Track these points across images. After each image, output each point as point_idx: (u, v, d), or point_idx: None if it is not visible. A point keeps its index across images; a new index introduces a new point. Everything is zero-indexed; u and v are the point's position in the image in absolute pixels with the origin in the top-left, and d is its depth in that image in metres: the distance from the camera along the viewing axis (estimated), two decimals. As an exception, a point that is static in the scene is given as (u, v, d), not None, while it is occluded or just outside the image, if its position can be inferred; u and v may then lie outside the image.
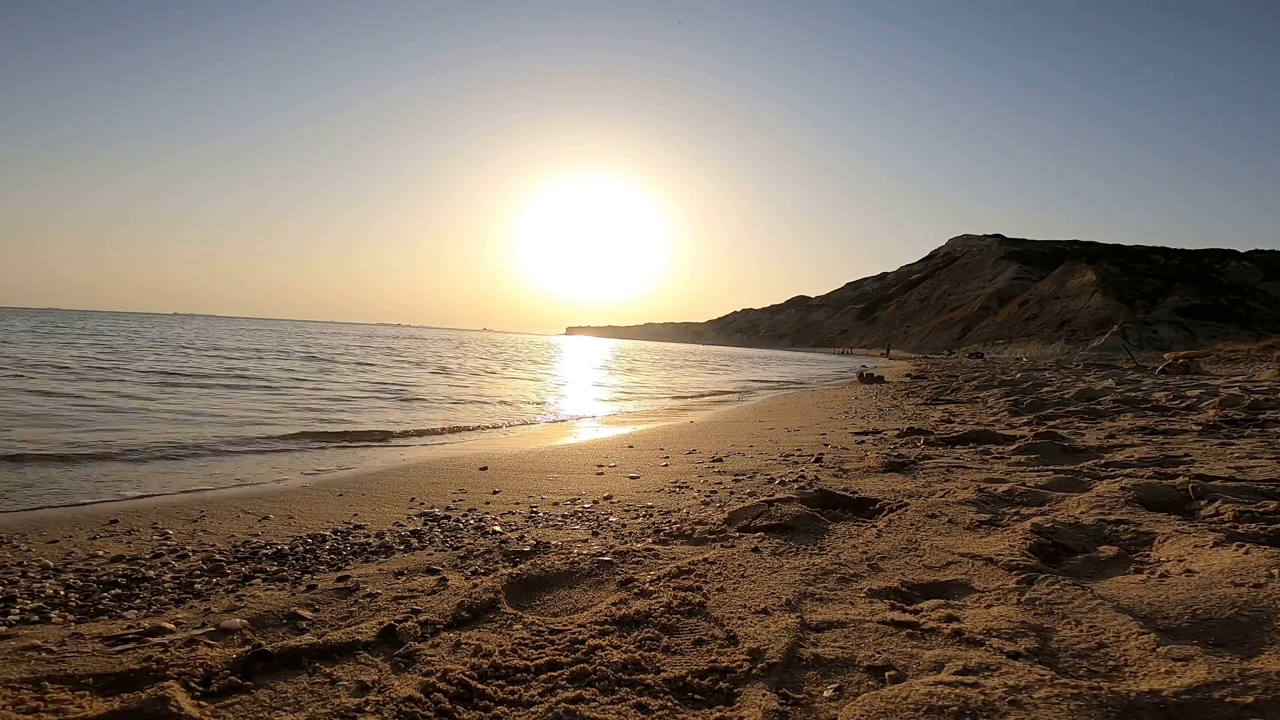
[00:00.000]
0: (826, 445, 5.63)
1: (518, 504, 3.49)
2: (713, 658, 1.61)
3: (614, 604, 1.93)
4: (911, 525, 2.68)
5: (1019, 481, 3.36)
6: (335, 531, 2.90)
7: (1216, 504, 2.72)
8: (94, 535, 2.80)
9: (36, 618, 1.89)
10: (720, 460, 4.91)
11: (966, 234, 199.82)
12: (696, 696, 1.47)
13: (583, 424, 8.37)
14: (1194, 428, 5.58)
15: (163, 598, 2.07)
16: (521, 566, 2.27)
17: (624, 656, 1.61)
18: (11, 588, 2.12)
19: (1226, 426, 5.63)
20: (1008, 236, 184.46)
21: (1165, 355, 28.84)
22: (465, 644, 1.68)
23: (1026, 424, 6.47)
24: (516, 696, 1.45)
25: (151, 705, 1.32)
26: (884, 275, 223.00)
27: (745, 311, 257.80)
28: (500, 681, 1.51)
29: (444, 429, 7.21)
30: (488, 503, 3.52)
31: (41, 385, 9.15)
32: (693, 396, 13.82)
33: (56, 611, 1.94)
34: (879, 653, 1.58)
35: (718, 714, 1.39)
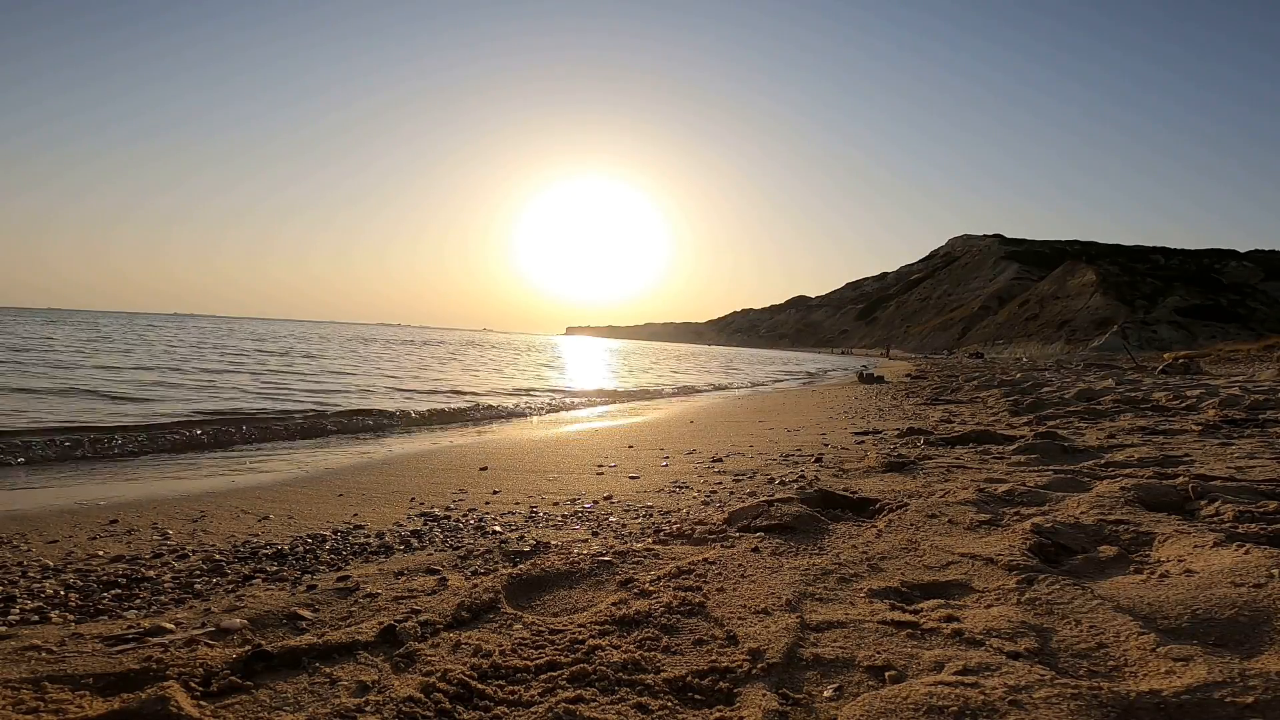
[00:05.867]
0: (826, 445, 5.63)
1: (518, 504, 3.49)
2: (713, 658, 1.61)
3: (614, 604, 1.93)
4: (911, 525, 2.68)
5: (1019, 481, 3.36)
6: (335, 531, 2.90)
7: (1216, 504, 2.72)
8: (94, 535, 2.80)
9: (36, 618, 1.89)
10: (720, 460, 4.91)
11: (966, 234, 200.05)
12: (696, 696, 1.47)
13: (583, 424, 8.37)
14: (1194, 428, 5.58)
15: (163, 598, 2.07)
16: (521, 566, 2.27)
17: (624, 656, 1.61)
18: (11, 588, 2.12)
19: (1226, 426, 5.63)
20: (1008, 236, 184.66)
21: (1165, 355, 28.84)
22: (465, 644, 1.68)
23: (1026, 424, 6.47)
24: (516, 696, 1.45)
25: (151, 705, 1.32)
26: (884, 275, 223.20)
27: (745, 311, 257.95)
28: (500, 681, 1.51)
29: (443, 427, 7.22)
30: (488, 503, 3.52)
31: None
32: (692, 397, 13.82)
33: (56, 611, 1.94)
34: (879, 653, 1.58)
35: (718, 714, 1.39)
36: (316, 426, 6.71)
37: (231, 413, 7.16)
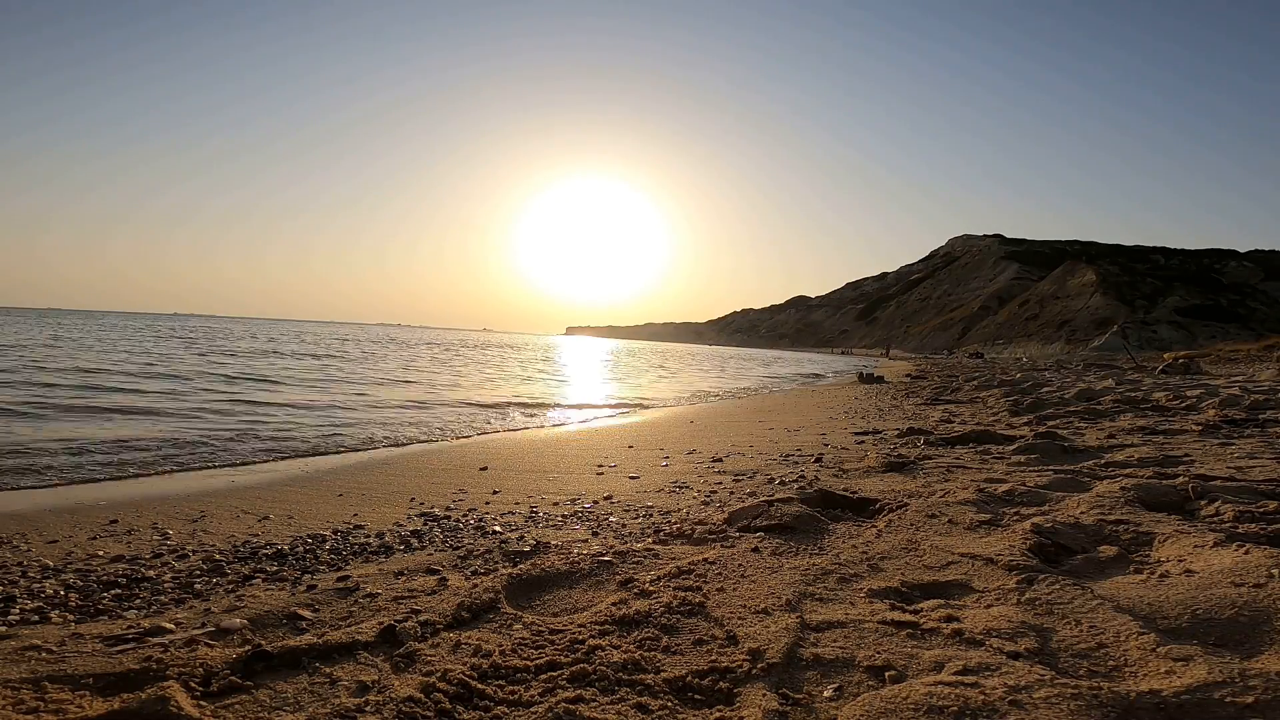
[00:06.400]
0: (826, 445, 5.63)
1: (518, 504, 3.49)
2: (713, 658, 1.61)
3: (614, 604, 1.93)
4: (911, 525, 2.68)
5: (1019, 481, 3.35)
6: (335, 531, 2.90)
7: (1216, 504, 2.72)
8: (94, 535, 2.80)
9: (36, 618, 1.89)
10: (720, 460, 4.91)
11: (966, 234, 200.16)
12: (696, 696, 1.47)
13: (582, 424, 8.37)
14: (1194, 428, 5.58)
15: (163, 598, 2.07)
16: (521, 566, 2.27)
17: (624, 656, 1.61)
18: (11, 588, 2.12)
19: (1226, 426, 5.63)
20: (1008, 236, 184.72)
21: (1165, 355, 28.84)
22: (465, 644, 1.68)
23: (1026, 424, 6.47)
24: (516, 696, 1.45)
25: (151, 705, 1.32)
26: (884, 275, 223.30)
27: (745, 311, 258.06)
28: (500, 681, 1.51)
29: (444, 429, 7.22)
30: (488, 503, 3.52)
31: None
32: (693, 397, 13.83)
33: (56, 611, 1.94)
34: (879, 653, 1.58)
35: (718, 714, 1.39)
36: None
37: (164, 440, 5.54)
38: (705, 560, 2.30)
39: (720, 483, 3.97)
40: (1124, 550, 2.25)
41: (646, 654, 1.64)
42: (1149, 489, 2.95)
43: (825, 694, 1.44)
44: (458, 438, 6.66)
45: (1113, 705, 1.29)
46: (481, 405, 9.98)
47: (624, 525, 3.00)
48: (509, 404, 10.47)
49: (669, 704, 1.43)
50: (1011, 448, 4.63)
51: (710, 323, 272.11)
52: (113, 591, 2.12)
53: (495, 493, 3.78)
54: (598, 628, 1.78)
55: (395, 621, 1.75)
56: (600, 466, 4.68)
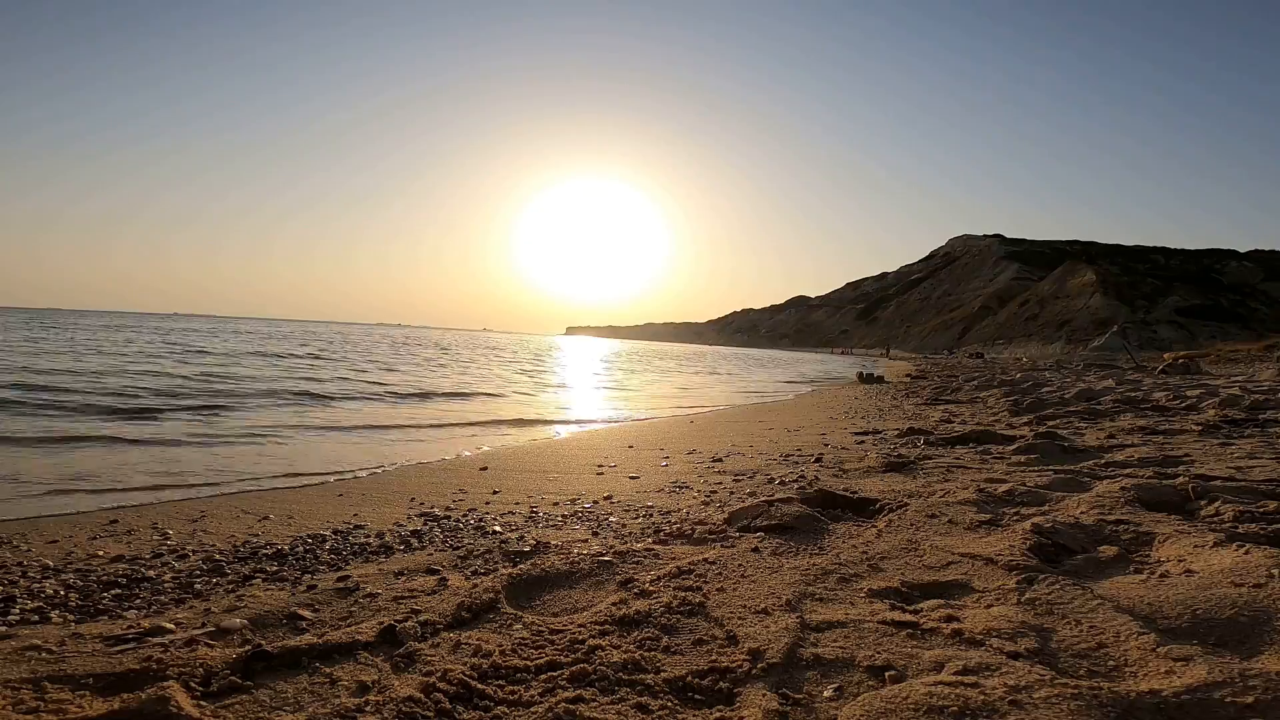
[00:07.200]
0: (826, 445, 5.63)
1: (518, 504, 3.49)
2: (713, 658, 1.61)
3: (614, 604, 1.93)
4: (911, 525, 2.68)
5: (1019, 481, 3.35)
6: (335, 531, 2.90)
7: (1216, 504, 2.72)
8: (94, 535, 2.80)
9: (36, 618, 1.89)
10: (720, 460, 4.91)
11: (966, 234, 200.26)
12: (696, 696, 1.47)
13: (583, 424, 8.36)
14: (1194, 428, 5.57)
15: (163, 598, 2.07)
16: (521, 566, 2.27)
17: (624, 656, 1.61)
18: (11, 588, 2.12)
19: (1226, 426, 5.63)
20: (1008, 236, 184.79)
21: (1165, 355, 28.84)
22: (465, 644, 1.68)
23: (1026, 424, 6.47)
24: (516, 696, 1.45)
25: (151, 705, 1.32)
26: (884, 275, 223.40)
27: (745, 311, 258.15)
28: (500, 681, 1.51)
29: (443, 433, 7.22)
30: (488, 503, 3.52)
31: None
32: (693, 397, 13.82)
33: (56, 611, 1.94)
34: (879, 653, 1.58)
35: (718, 714, 1.39)
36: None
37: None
38: (705, 560, 2.30)
39: (720, 483, 3.97)
40: (1124, 550, 2.25)
41: (646, 654, 1.64)
42: (1149, 489, 2.94)
43: (825, 694, 1.44)
44: (457, 438, 6.65)
45: (1113, 705, 1.29)
46: (481, 406, 9.97)
47: (624, 525, 3.00)
48: (509, 404, 10.46)
49: (669, 704, 1.43)
50: (1011, 448, 4.63)
51: (710, 323, 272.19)
52: (113, 591, 2.12)
53: (495, 493, 3.78)
54: (598, 628, 1.78)
55: (395, 621, 1.75)
56: (600, 467, 4.68)
